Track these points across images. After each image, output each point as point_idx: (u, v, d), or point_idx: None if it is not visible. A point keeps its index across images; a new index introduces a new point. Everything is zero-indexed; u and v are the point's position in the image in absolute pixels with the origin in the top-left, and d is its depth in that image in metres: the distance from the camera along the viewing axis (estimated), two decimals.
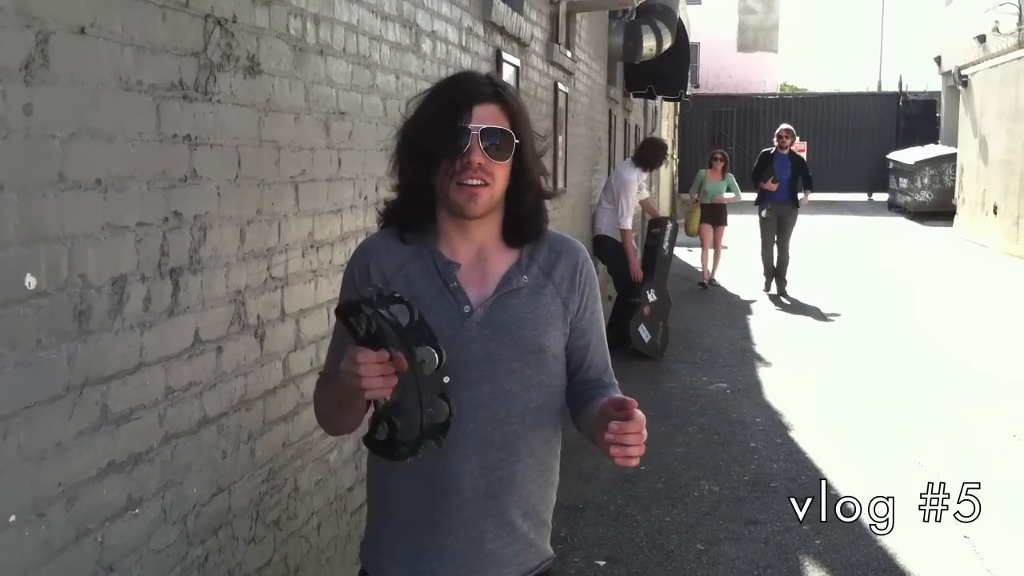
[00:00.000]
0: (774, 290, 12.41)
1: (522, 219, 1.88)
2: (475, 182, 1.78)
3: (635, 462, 1.66)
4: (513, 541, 1.88)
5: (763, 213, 12.57)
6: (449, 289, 1.82)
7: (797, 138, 13.01)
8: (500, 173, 1.80)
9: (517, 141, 1.81)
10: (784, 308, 11.60)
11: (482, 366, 1.80)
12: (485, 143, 1.77)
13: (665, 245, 9.08)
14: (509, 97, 1.84)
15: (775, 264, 12.46)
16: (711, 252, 13.27)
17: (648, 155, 9.35)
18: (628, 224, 8.85)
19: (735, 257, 14.84)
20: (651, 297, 8.75)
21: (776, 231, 12.44)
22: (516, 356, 1.82)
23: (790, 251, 12.52)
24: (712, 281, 13.25)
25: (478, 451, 1.82)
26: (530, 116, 1.91)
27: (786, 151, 12.51)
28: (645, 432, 1.67)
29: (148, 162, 2.09)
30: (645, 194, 9.69)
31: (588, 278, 1.93)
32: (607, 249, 8.95)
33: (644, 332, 8.72)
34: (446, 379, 1.61)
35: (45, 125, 1.76)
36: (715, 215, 13.08)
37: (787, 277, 12.45)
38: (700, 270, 13.55)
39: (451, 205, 1.81)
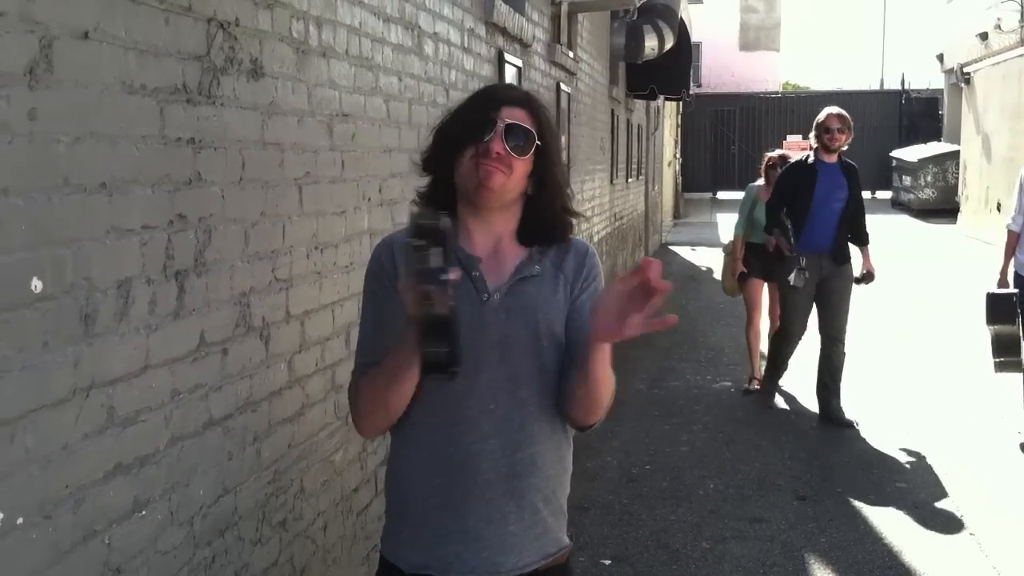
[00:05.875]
0: (778, 400, 7.29)
1: (540, 223, 1.96)
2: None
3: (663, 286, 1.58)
4: (534, 524, 1.92)
5: (791, 277, 6.63)
6: (471, 278, 1.89)
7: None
8: (518, 168, 1.89)
9: (539, 143, 1.90)
10: None
11: (499, 349, 1.88)
12: (507, 136, 1.87)
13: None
14: (539, 108, 1.96)
15: (820, 364, 6.80)
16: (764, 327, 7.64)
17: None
18: (1012, 226, 6.73)
19: None
20: None
21: (815, 306, 6.78)
22: (530, 339, 1.90)
23: (845, 344, 6.79)
24: (762, 386, 7.31)
25: (498, 431, 1.87)
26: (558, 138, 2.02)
27: (835, 157, 6.58)
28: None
29: (152, 165, 2.10)
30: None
31: (594, 269, 2.00)
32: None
33: None
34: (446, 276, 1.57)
35: (49, 129, 1.77)
36: (771, 262, 7.05)
37: (840, 387, 6.77)
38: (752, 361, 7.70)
39: (468, 184, 1.89)
